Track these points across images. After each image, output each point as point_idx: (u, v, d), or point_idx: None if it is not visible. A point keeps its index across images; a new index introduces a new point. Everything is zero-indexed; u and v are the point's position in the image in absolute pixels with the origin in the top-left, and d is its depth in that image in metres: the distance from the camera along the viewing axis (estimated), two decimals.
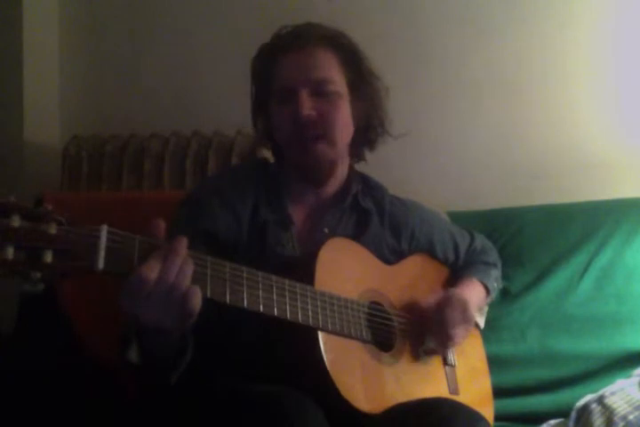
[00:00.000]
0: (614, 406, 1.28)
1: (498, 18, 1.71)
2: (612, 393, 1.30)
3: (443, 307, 1.09)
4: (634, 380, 1.33)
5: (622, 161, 1.63)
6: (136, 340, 0.82)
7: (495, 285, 1.27)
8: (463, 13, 1.72)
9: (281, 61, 1.08)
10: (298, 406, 0.84)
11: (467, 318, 1.11)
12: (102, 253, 0.71)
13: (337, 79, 1.08)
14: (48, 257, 0.67)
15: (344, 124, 1.09)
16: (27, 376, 1.18)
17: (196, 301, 0.76)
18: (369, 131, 1.15)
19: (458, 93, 1.72)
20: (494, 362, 1.27)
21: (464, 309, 1.10)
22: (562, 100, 1.68)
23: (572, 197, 1.57)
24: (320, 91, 1.06)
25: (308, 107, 1.05)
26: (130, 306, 0.75)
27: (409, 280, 1.16)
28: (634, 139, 1.65)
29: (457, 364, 1.17)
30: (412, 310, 1.12)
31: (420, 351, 1.10)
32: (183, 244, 0.76)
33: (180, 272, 0.75)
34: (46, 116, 1.89)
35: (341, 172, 1.15)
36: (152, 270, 0.73)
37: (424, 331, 1.10)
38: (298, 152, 1.08)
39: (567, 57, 1.69)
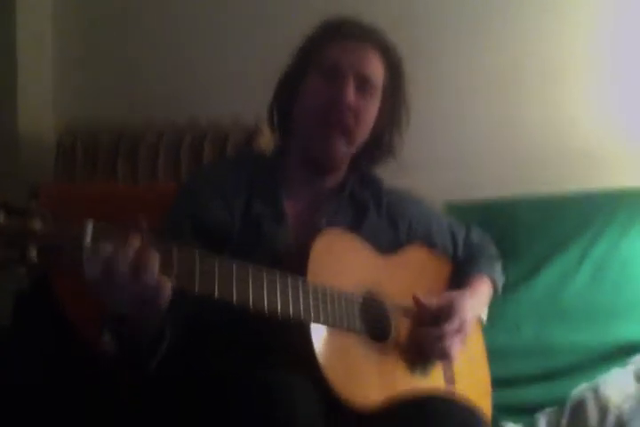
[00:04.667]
0: (609, 395, 1.29)
1: (495, 11, 1.70)
2: (607, 383, 1.31)
3: (440, 320, 1.07)
4: (629, 370, 1.34)
5: (618, 150, 1.62)
6: (108, 326, 0.82)
7: (501, 279, 1.27)
8: (457, 5, 1.72)
9: (339, 43, 1.10)
10: (289, 395, 0.84)
11: (463, 331, 1.08)
12: (88, 249, 0.71)
13: (378, 86, 1.11)
14: (33, 253, 0.67)
15: (367, 126, 1.12)
16: (24, 374, 1.18)
17: (163, 288, 0.75)
18: (375, 146, 1.16)
19: (455, 84, 1.71)
20: (490, 353, 1.27)
21: (461, 322, 1.07)
22: (558, 90, 1.67)
23: (567, 185, 1.56)
24: (362, 87, 1.09)
25: (352, 95, 1.06)
26: (95, 294, 0.75)
27: (406, 271, 1.16)
28: (629, 128, 1.64)
29: None
30: (412, 315, 1.09)
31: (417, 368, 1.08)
32: (138, 226, 0.76)
33: (139, 256, 0.74)
34: (40, 107, 1.88)
35: (343, 168, 1.16)
36: (103, 252, 0.72)
37: (421, 341, 1.08)
38: (317, 133, 1.09)
39: (563, 46, 1.67)
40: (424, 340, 1.06)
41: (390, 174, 1.24)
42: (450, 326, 1.06)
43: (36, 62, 1.88)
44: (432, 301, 1.08)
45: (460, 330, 1.07)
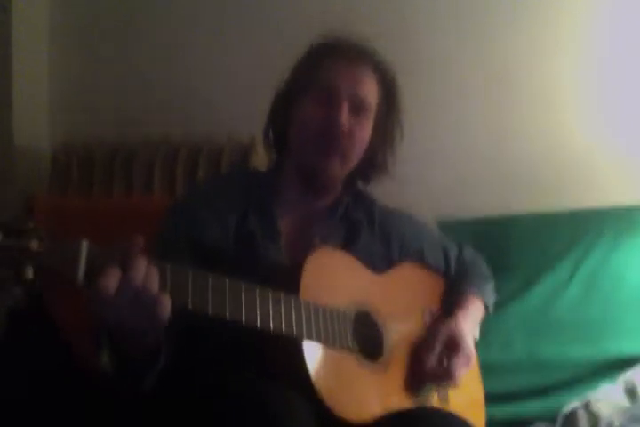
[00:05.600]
0: (600, 411, 1.30)
1: (484, 20, 1.72)
2: (598, 399, 1.33)
3: (448, 355, 1.08)
4: (619, 385, 1.35)
5: (607, 169, 1.64)
6: (107, 345, 0.83)
7: (492, 300, 1.28)
8: (450, 16, 1.73)
9: (334, 64, 1.10)
10: (285, 408, 0.85)
11: (469, 362, 1.10)
12: (83, 268, 0.71)
13: (373, 107, 1.12)
14: (29, 273, 0.68)
15: (362, 146, 1.13)
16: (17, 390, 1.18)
17: (165, 307, 0.76)
18: (368, 165, 1.17)
19: (444, 99, 1.73)
20: (481, 368, 1.27)
21: (468, 355, 1.09)
22: (548, 106, 1.69)
23: (558, 202, 1.59)
24: (357, 109, 1.09)
25: (346, 119, 1.07)
26: (98, 313, 0.76)
27: (399, 288, 1.16)
28: (618, 147, 1.66)
29: None
30: (414, 350, 1.10)
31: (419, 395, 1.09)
32: (138, 246, 0.76)
33: (146, 277, 0.76)
34: (36, 121, 1.88)
35: (337, 187, 1.17)
36: (111, 279, 0.73)
37: (424, 374, 1.08)
38: (312, 156, 1.09)
39: (554, 61, 1.69)
40: (431, 373, 1.07)
41: (383, 191, 1.25)
42: (459, 358, 1.08)
43: (32, 76, 1.87)
44: (435, 346, 1.09)
45: (468, 362, 1.09)
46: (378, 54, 1.14)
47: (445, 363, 1.08)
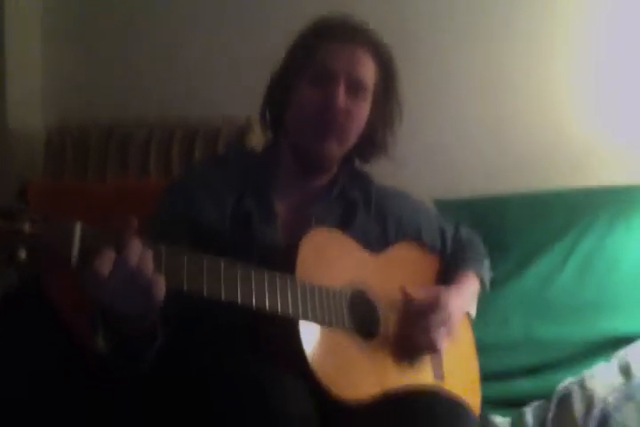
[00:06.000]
0: (594, 388, 1.31)
1: (482, 10, 1.72)
2: (593, 376, 1.34)
3: (426, 312, 1.08)
4: (613, 363, 1.36)
5: (603, 149, 1.65)
6: (102, 327, 0.83)
7: (488, 276, 1.28)
8: (449, 7, 1.73)
9: (330, 45, 1.10)
10: (281, 388, 0.86)
11: (449, 323, 1.09)
12: (76, 250, 0.72)
13: (370, 87, 1.12)
14: (23, 255, 0.68)
15: (359, 126, 1.12)
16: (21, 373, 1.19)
17: (160, 288, 0.76)
18: (367, 144, 1.17)
19: (445, 83, 1.73)
20: (478, 348, 1.28)
21: (447, 314, 1.09)
22: (544, 88, 1.69)
23: (554, 183, 1.59)
24: (354, 90, 1.09)
25: (344, 100, 1.07)
26: (92, 295, 0.76)
27: (395, 268, 1.16)
28: (614, 128, 1.66)
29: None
30: (400, 309, 1.11)
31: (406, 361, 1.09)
32: (132, 228, 0.76)
33: (141, 258, 0.76)
34: (30, 104, 1.87)
35: (334, 166, 1.17)
36: (106, 260, 0.73)
37: (410, 341, 1.09)
38: (309, 137, 1.09)
39: (550, 45, 1.69)
40: (411, 332, 1.07)
41: (380, 171, 1.25)
42: (436, 318, 1.07)
43: (25, 59, 1.87)
44: (419, 292, 1.10)
45: (445, 322, 1.08)
46: (375, 34, 1.13)
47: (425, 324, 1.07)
